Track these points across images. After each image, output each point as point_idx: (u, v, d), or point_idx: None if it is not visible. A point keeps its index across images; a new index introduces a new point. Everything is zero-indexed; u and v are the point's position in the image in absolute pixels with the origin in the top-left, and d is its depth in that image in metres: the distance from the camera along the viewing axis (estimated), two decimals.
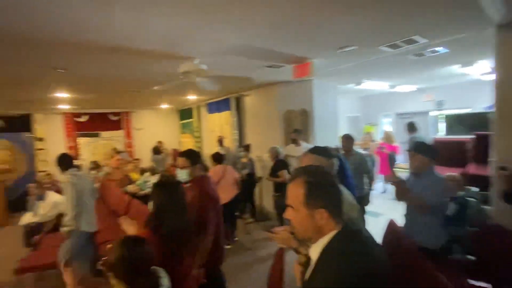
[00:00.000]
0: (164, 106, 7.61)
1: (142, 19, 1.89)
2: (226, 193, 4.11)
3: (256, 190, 5.17)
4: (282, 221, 3.72)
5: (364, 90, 6.49)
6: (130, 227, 1.62)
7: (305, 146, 4.15)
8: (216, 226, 2.04)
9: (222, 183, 4.07)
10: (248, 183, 4.85)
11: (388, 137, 5.93)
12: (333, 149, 3.52)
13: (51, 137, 6.80)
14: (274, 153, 4.21)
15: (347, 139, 3.42)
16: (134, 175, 5.86)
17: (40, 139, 6.62)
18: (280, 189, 4.15)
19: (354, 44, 2.68)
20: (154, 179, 4.93)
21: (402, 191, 2.00)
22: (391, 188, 2.06)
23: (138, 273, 1.13)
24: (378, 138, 6.82)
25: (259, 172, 5.06)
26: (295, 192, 0.86)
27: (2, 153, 6.26)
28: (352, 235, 0.84)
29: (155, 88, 4.15)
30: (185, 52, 2.68)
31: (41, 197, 3.97)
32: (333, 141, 4.01)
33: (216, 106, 6.51)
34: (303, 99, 4.66)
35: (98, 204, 3.69)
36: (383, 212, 4.79)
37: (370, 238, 0.87)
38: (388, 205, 5.12)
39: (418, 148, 2.11)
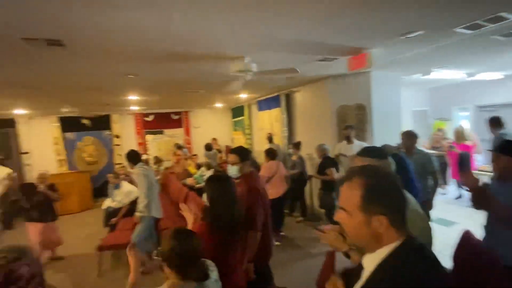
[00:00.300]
0: (218, 105, 8.01)
1: (196, 24, 2.00)
2: (276, 189, 4.13)
3: (307, 188, 5.05)
4: (331, 220, 3.57)
5: (434, 80, 5.66)
6: (188, 214, 1.74)
7: (357, 143, 3.89)
8: (264, 222, 2.07)
9: (274, 178, 4.10)
10: (298, 181, 4.77)
11: (458, 134, 5.11)
12: (393, 148, 3.19)
13: (125, 134, 7.83)
14: (321, 151, 4.07)
15: (408, 136, 3.06)
16: (192, 169, 6.34)
17: (117, 136, 7.70)
18: (327, 187, 4.00)
19: (421, 29, 2.36)
20: (209, 173, 5.24)
21: (483, 198, 1.68)
22: (468, 194, 1.73)
23: (187, 265, 1.18)
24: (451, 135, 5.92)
25: (309, 170, 4.92)
26: (351, 194, 0.76)
27: (89, 147, 7.49)
28: (416, 252, 0.73)
29: (227, 88, 4.34)
30: (236, 52, 2.76)
31: (117, 186, 4.61)
32: (395, 139, 3.63)
33: (266, 104, 6.56)
34: (359, 93, 4.33)
35: (161, 195, 4.12)
36: (456, 221, 4.17)
37: (433, 256, 0.75)
38: (463, 213, 4.42)
39: (505, 148, 1.75)
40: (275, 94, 6.02)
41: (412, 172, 2.33)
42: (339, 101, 4.48)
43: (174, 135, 8.39)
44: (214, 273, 1.32)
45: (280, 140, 5.95)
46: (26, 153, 6.80)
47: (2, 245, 0.79)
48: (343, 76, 4.25)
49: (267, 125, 6.59)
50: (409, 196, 1.24)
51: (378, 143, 3.52)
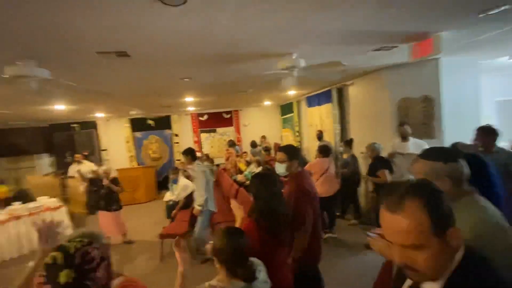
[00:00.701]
0: (267, 103, 8.06)
1: (243, 25, 2.02)
2: (327, 187, 3.96)
3: (361, 190, 4.71)
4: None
5: None
6: (238, 210, 1.79)
7: (413, 141, 3.46)
8: (313, 223, 1.99)
9: (324, 176, 3.95)
10: (350, 181, 4.47)
11: None
12: (469, 146, 2.72)
13: (183, 133, 8.52)
14: (372, 150, 3.72)
15: (486, 133, 2.55)
16: (242, 166, 6.54)
17: (176, 135, 8.42)
18: (379, 190, 3.64)
19: (506, 2, 1.93)
20: (258, 170, 5.32)
21: None
22: None
23: (236, 264, 1.22)
24: None
25: (364, 170, 4.57)
26: (414, 224, 0.60)
27: (153, 145, 8.38)
28: (482, 261, 0.61)
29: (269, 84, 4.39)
30: (283, 49, 2.70)
31: (175, 181, 5.03)
32: (471, 135, 3.08)
33: (316, 99, 6.31)
34: (425, 83, 3.82)
35: (214, 190, 4.35)
36: None
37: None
38: None
39: None
40: (326, 89, 5.75)
41: (494, 176, 1.94)
42: (400, 94, 4.03)
43: (225, 133, 8.77)
44: (262, 274, 1.33)
45: (331, 137, 5.67)
46: (105, 150, 7.96)
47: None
48: (404, 65, 3.80)
49: (317, 121, 6.36)
50: (489, 205, 1.03)
51: (449, 141, 3.03)
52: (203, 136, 8.68)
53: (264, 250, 1.53)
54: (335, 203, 4.26)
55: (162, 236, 3.91)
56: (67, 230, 5.16)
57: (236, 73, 3.62)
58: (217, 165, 6.83)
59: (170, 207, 4.97)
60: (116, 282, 0.91)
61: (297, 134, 7.69)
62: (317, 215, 2.08)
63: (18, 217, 4.73)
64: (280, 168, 2.19)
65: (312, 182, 2.22)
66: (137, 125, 8.15)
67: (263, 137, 8.32)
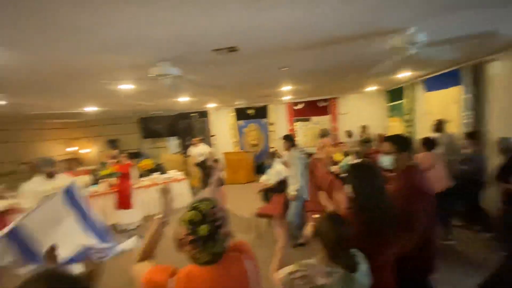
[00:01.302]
0: (370, 88, 7.27)
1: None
2: (434, 184, 3.32)
3: (491, 195, 3.67)
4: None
5: None
6: (327, 204, 1.75)
7: None
8: (425, 226, 1.71)
9: (431, 172, 3.32)
10: (470, 182, 3.55)
11: None
12: None
13: (278, 122, 8.86)
14: (504, 146, 2.78)
15: None
16: (338, 157, 6.25)
17: (272, 124, 8.85)
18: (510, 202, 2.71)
19: None
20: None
21: None
22: None
23: (339, 250, 1.22)
24: None
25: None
26: None
27: (252, 133, 9.12)
28: None
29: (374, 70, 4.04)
30: (398, 23, 2.36)
31: (270, 166, 5.34)
32: None
33: (437, 82, 5.21)
34: None
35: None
36: None
37: None
38: None
39: None
40: (452, 68, 4.66)
41: None
42: None
43: (320, 122, 8.53)
44: (363, 266, 1.28)
45: (457, 128, 4.60)
46: (214, 135, 9.27)
47: (204, 196, 1.13)
48: None
49: (437, 109, 5.27)
50: None
51: None
52: (298, 125, 8.76)
53: (363, 247, 1.45)
54: (445, 203, 3.52)
55: (259, 215, 4.30)
56: (187, 198, 6.44)
57: (339, 57, 3.44)
58: (310, 155, 6.77)
59: (266, 190, 5.35)
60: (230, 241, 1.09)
61: (408, 123, 6.64)
62: (432, 217, 1.78)
63: (156, 184, 6.21)
64: (386, 161, 1.98)
65: (425, 179, 1.90)
66: (240, 114, 9.04)
67: (364, 127, 7.62)
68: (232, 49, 2.74)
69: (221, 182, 5.31)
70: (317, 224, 1.28)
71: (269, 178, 5.34)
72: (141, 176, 6.30)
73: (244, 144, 9.23)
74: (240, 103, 7.24)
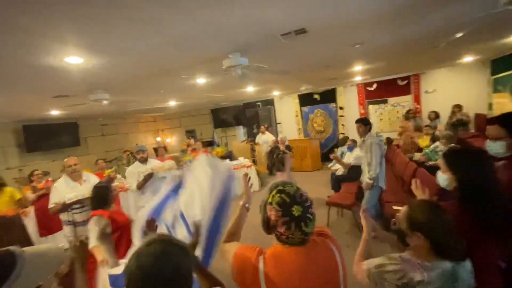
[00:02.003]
0: (467, 59, 5.99)
1: None
2: None
3: None
4: None
5: None
6: (419, 193, 1.54)
7: None
8: None
9: None
10: None
11: None
12: None
13: (348, 105, 8.24)
14: None
15: None
16: (423, 142, 5.46)
17: (341, 108, 8.30)
18: None
19: None
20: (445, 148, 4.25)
21: None
22: None
23: (447, 239, 1.09)
24: None
25: None
26: None
27: (318, 118, 8.77)
28: None
29: (458, 35, 3.35)
30: None
31: (350, 148, 5.08)
32: None
33: None
34: None
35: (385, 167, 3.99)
36: None
37: None
38: None
39: None
40: None
41: None
42: None
43: (399, 103, 7.55)
44: (468, 263, 1.12)
45: None
46: (279, 123, 9.30)
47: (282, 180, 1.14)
48: None
49: None
50: None
51: None
52: (372, 108, 7.95)
53: (467, 241, 1.24)
54: None
55: (328, 204, 4.16)
56: (255, 184, 6.74)
57: (427, 24, 2.93)
58: (387, 140, 6.09)
59: (337, 179, 5.13)
60: None
61: None
62: None
63: None
64: (494, 147, 1.62)
65: None
66: (304, 100, 8.78)
67: (457, 106, 6.40)
68: (300, 31, 2.63)
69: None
70: (414, 214, 1.14)
71: (343, 165, 5.10)
72: None
73: (309, 131, 8.98)
74: (306, 88, 7.00)
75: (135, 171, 3.60)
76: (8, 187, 3.77)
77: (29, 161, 6.85)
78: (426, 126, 5.94)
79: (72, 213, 2.87)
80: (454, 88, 6.85)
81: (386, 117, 7.68)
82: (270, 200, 1.04)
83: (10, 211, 3.53)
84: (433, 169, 3.99)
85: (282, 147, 5.78)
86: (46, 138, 7.07)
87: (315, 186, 6.22)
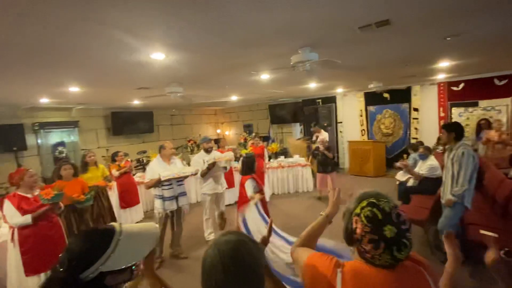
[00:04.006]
0: None
1: None
2: None
3: None
4: None
5: None
6: None
7: None
8: None
9: None
10: None
11: None
12: None
13: (425, 107, 7.22)
14: None
15: None
16: None
17: (415, 109, 7.34)
18: None
19: None
20: None
21: None
22: None
23: None
24: None
25: None
26: None
27: (387, 120, 7.95)
28: None
29: None
30: None
31: (423, 156, 4.48)
32: None
33: None
34: None
35: None
36: None
37: None
38: None
39: None
40: None
41: None
42: None
43: (494, 106, 6.27)
44: None
45: None
46: (340, 122, 8.78)
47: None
48: None
49: None
50: None
51: None
52: (455, 111, 6.80)
53: None
54: None
55: None
56: (310, 184, 6.53)
57: None
58: (475, 149, 5.13)
59: (406, 190, 4.58)
60: None
61: None
62: None
63: (282, 166, 6.62)
64: None
65: None
66: (371, 98, 8.05)
67: None
68: (382, 24, 2.36)
69: (333, 169, 5.63)
70: None
71: (419, 173, 4.52)
72: (269, 158, 6.88)
73: (374, 133, 8.23)
74: (376, 86, 6.36)
75: (200, 160, 3.85)
76: (100, 164, 4.46)
77: (114, 142, 8.02)
78: None
79: (162, 188, 3.37)
80: None
81: (474, 123, 6.47)
82: (357, 211, 0.93)
83: (102, 183, 4.20)
84: None
85: (322, 148, 5.61)
86: (128, 124, 8.16)
87: None
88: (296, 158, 6.91)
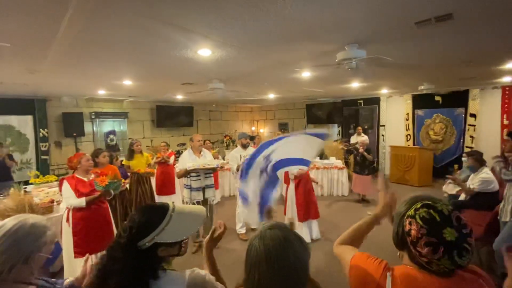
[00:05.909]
0: None
1: None
2: None
3: None
4: None
5: None
6: None
7: None
8: None
9: None
10: None
11: None
12: None
13: (485, 113, 6.45)
14: None
15: None
16: None
17: (472, 115, 6.59)
18: None
19: None
20: None
21: None
22: None
23: None
24: None
25: None
26: None
27: (437, 126, 7.27)
28: None
29: None
30: None
31: (473, 169, 3.98)
32: None
33: None
34: None
35: None
36: None
37: None
38: None
39: None
40: None
41: None
42: None
43: None
44: None
45: None
46: (383, 125, 8.26)
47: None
48: None
49: None
50: None
51: None
52: None
53: None
54: None
55: None
56: (346, 187, 6.27)
57: None
58: None
59: (456, 204, 4.13)
60: None
61: None
62: None
63: (318, 168, 6.46)
64: None
65: None
66: (420, 101, 7.42)
67: None
68: (444, 18, 2.15)
69: (371, 171, 5.53)
70: None
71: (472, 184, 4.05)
72: None
73: (422, 139, 7.59)
74: (426, 88, 5.83)
75: (236, 155, 3.93)
76: (145, 153, 4.81)
77: (156, 134, 8.59)
78: None
79: (190, 179, 3.55)
80: None
81: None
82: (410, 213, 0.87)
83: (146, 170, 4.53)
84: None
85: (361, 150, 5.48)
86: (170, 117, 8.67)
87: None
88: (332, 161, 6.68)
